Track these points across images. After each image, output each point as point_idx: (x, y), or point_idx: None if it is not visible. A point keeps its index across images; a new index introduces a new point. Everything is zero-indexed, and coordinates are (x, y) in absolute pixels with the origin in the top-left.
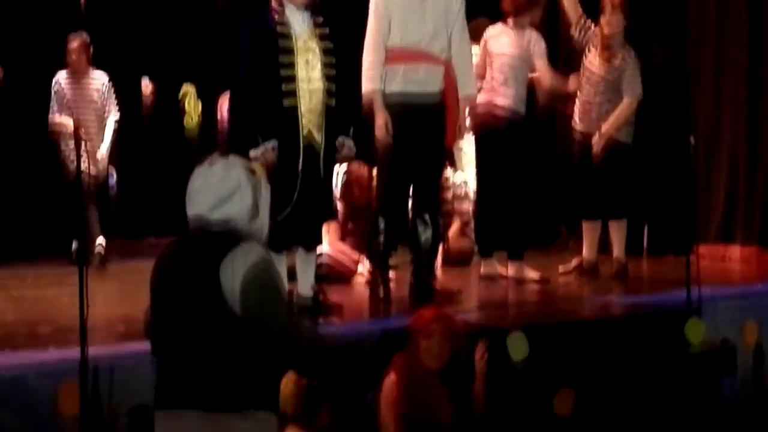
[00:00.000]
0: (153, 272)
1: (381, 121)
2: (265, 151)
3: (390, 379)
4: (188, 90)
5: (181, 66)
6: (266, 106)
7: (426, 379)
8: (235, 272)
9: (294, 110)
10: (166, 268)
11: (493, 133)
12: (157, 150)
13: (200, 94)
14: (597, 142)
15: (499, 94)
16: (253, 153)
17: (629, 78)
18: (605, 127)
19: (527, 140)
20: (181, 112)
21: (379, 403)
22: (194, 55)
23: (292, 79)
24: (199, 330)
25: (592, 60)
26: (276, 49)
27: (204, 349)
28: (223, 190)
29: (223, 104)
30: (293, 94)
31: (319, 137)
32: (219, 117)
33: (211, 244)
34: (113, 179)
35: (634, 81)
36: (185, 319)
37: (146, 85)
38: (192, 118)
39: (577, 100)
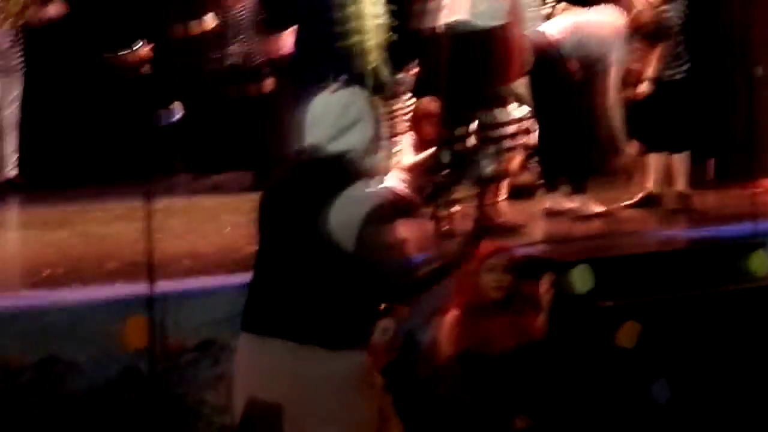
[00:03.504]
0: (261, 198)
1: None
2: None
3: (451, 315)
4: None
5: None
6: (334, 42)
7: (487, 313)
8: (352, 212)
9: (360, 46)
10: (274, 195)
11: (548, 61)
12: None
13: None
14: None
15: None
16: None
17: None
18: (651, 72)
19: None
20: None
21: (439, 339)
22: None
23: (360, 15)
24: (304, 261)
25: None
26: None
27: (306, 281)
28: (345, 119)
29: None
30: (360, 30)
31: (385, 72)
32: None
33: (324, 177)
34: (178, 114)
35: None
36: (290, 248)
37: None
38: None
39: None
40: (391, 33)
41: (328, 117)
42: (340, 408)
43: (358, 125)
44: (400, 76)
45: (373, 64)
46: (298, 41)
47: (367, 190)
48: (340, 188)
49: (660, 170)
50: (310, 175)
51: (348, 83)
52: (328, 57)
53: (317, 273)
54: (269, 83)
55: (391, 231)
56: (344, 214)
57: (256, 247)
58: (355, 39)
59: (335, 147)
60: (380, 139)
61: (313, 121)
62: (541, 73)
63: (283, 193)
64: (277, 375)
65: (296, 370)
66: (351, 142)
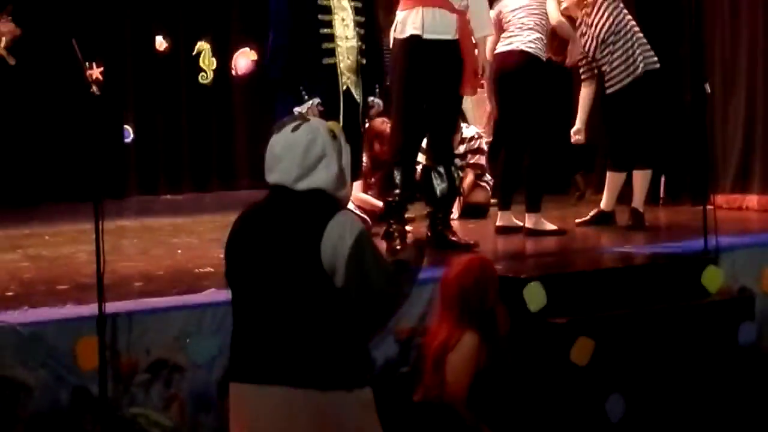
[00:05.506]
0: (231, 237)
1: None
2: (310, 108)
3: (471, 337)
4: (203, 47)
5: (195, 23)
6: (308, 64)
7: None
8: (337, 245)
9: (334, 68)
10: (247, 234)
11: (513, 76)
12: (173, 107)
13: (215, 51)
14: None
15: (518, 40)
16: (297, 110)
17: None
18: None
19: (547, 85)
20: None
21: (453, 360)
22: (209, 12)
23: (332, 37)
24: (293, 301)
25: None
26: (315, 8)
27: (299, 321)
28: (309, 159)
29: (238, 61)
30: (332, 52)
31: (357, 95)
32: (234, 73)
33: (302, 215)
34: (129, 137)
35: None
36: (276, 290)
37: (161, 43)
38: (207, 76)
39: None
40: (362, 56)
41: (292, 157)
42: None
43: (323, 161)
44: (369, 98)
45: (345, 86)
46: (273, 61)
47: (347, 218)
48: (317, 224)
49: (618, 189)
50: (281, 213)
51: (305, 117)
52: (303, 77)
53: (313, 310)
54: None
55: (380, 255)
56: (329, 249)
57: (232, 293)
58: (328, 61)
59: (303, 186)
60: (347, 169)
61: (276, 161)
62: (507, 84)
63: (254, 230)
64: (287, 423)
65: (312, 415)
66: (318, 180)
